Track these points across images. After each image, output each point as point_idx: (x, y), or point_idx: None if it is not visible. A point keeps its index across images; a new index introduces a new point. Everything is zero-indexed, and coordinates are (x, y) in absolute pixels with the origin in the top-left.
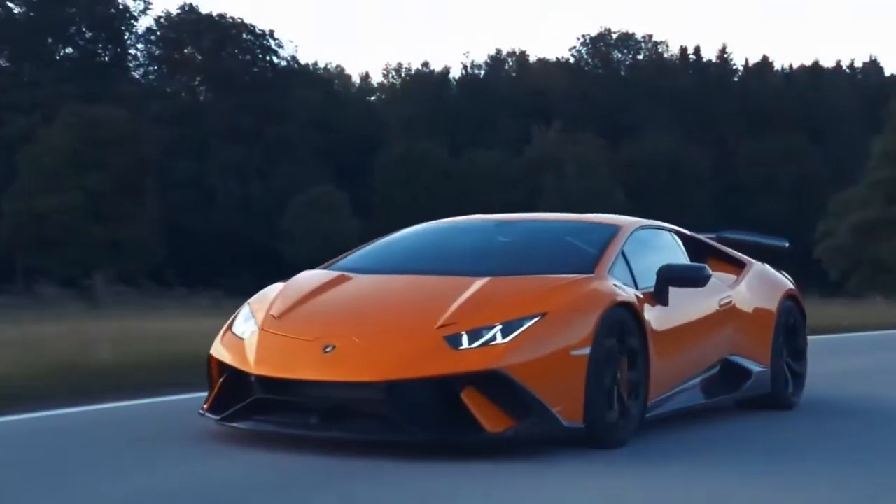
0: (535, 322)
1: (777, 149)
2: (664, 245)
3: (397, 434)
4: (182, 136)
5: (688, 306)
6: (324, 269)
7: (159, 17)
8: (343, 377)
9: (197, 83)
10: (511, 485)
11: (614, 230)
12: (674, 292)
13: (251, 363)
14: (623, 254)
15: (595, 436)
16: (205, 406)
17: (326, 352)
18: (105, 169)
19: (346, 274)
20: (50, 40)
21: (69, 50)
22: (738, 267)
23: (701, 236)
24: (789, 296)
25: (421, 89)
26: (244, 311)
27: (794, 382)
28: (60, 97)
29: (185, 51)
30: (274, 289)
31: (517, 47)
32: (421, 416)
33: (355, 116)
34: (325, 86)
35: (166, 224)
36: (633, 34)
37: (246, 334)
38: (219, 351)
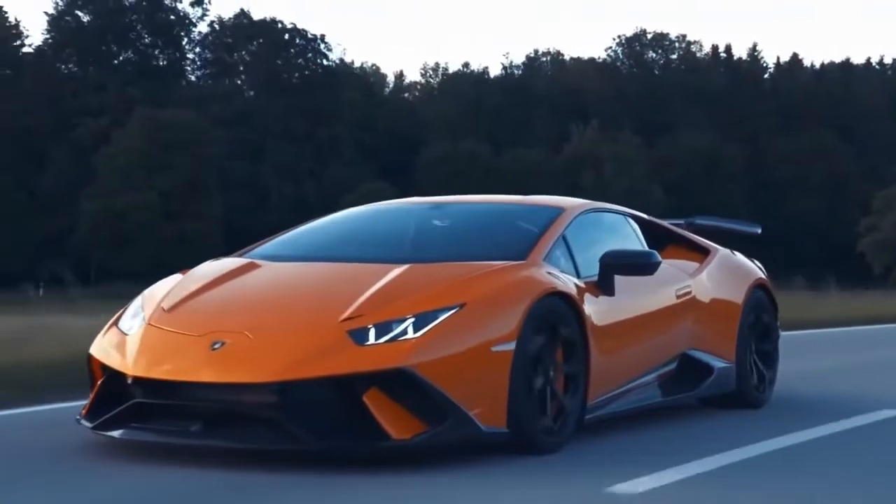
0: (452, 314)
1: (808, 146)
2: (616, 230)
3: (290, 443)
4: (237, 139)
5: (638, 297)
6: (238, 255)
7: (212, 21)
8: (230, 378)
9: (250, 86)
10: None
11: (556, 213)
12: (623, 282)
13: (130, 362)
14: (565, 239)
15: (522, 441)
16: (82, 413)
17: (214, 349)
18: (174, 169)
19: (255, 262)
20: (114, 47)
21: (130, 55)
22: (702, 254)
23: (663, 222)
24: (758, 285)
25: (460, 88)
26: (135, 303)
27: (763, 379)
28: (126, 101)
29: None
30: (174, 279)
31: (552, 47)
32: (317, 421)
33: (395, 115)
34: (366, 86)
35: (224, 223)
36: (668, 34)
37: (132, 330)
38: (99, 349)
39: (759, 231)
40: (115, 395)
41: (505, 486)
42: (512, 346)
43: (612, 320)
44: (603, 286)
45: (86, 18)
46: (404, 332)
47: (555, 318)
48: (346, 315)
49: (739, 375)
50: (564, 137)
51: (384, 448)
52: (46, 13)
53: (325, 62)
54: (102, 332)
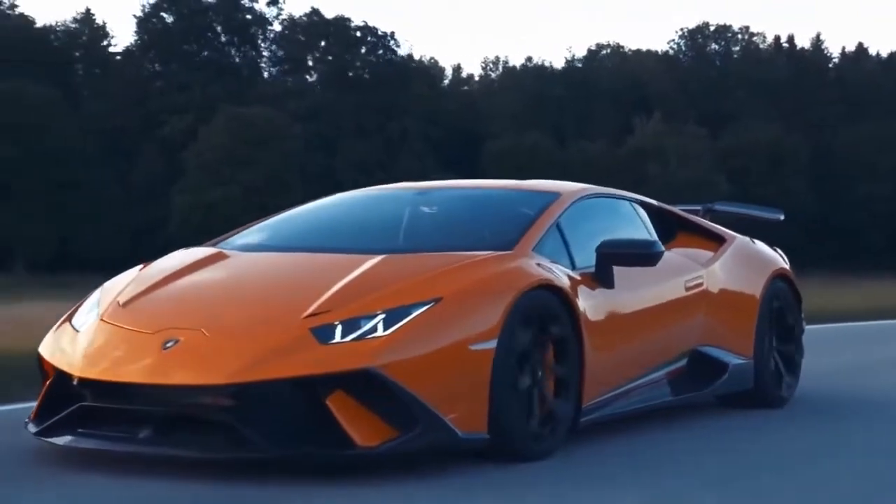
0: (426, 310)
1: (875, 135)
2: (620, 217)
3: (246, 450)
4: (312, 134)
5: (641, 289)
6: (210, 244)
7: (283, 19)
8: (181, 379)
9: (322, 82)
10: None
11: (551, 198)
12: (625, 273)
13: (77, 362)
14: (559, 227)
15: (505, 447)
16: (30, 416)
17: (167, 347)
18: (257, 165)
19: (223, 252)
20: (195, 47)
21: (210, 54)
22: (717, 243)
23: (675, 208)
24: (779, 275)
25: (522, 82)
26: (93, 297)
27: (784, 377)
28: (209, 99)
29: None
30: (135, 271)
31: (613, 40)
32: (276, 427)
33: (458, 109)
34: (430, 80)
35: None
36: (730, 26)
37: (84, 326)
38: (48, 347)
39: (782, 217)
40: (62, 398)
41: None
42: (493, 344)
43: (611, 315)
44: (600, 278)
45: (170, 20)
46: (373, 329)
47: (543, 314)
48: (310, 311)
49: (758, 373)
50: (627, 130)
51: (349, 456)
52: (135, 16)
53: (394, 58)
54: (55, 327)
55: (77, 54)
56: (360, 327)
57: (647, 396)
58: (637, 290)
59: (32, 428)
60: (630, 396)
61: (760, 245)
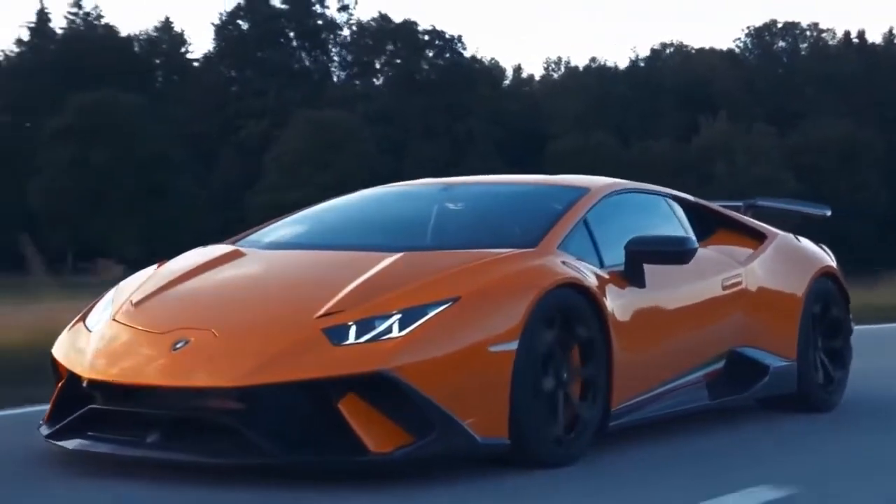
0: (444, 310)
1: None
2: (652, 213)
3: (255, 456)
4: (381, 136)
5: (674, 288)
6: (229, 242)
7: (351, 23)
8: (190, 382)
9: (390, 85)
10: None
11: (579, 194)
12: (657, 271)
13: (87, 363)
14: (586, 223)
15: (527, 452)
16: (43, 419)
17: (177, 348)
18: (332, 167)
19: (240, 249)
20: (269, 52)
21: (284, 59)
22: (758, 240)
23: (713, 204)
24: (824, 274)
25: (584, 81)
26: (107, 296)
27: (831, 380)
28: (283, 103)
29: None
30: (150, 269)
31: (675, 39)
32: (286, 432)
33: (521, 109)
34: (494, 81)
35: None
36: (798, 23)
37: (96, 326)
38: (60, 348)
39: (829, 213)
40: (73, 400)
41: None
42: (513, 345)
43: (641, 315)
44: (630, 276)
45: (245, 26)
46: (388, 329)
47: (568, 313)
48: (323, 311)
49: (801, 375)
50: (693, 129)
51: (362, 463)
52: (213, 24)
53: (459, 59)
54: (68, 327)
55: (157, 62)
56: (374, 328)
57: (683, 400)
58: (670, 289)
59: (44, 430)
60: (664, 400)
61: (805, 242)
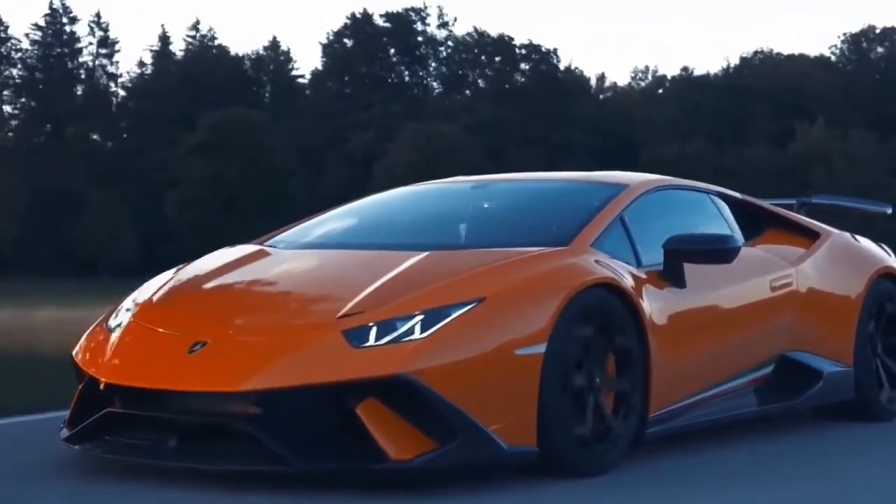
0: (468, 311)
1: None
2: (695, 210)
3: (271, 463)
4: (482, 146)
5: (717, 289)
6: (256, 241)
7: (446, 37)
8: (205, 385)
9: (487, 97)
10: None
11: (616, 190)
12: (700, 272)
13: (105, 365)
14: (623, 221)
15: (557, 460)
16: (64, 422)
17: (194, 350)
18: (440, 177)
19: (264, 249)
20: (373, 68)
21: (386, 74)
22: (811, 238)
23: (762, 202)
24: (884, 274)
25: (675, 90)
26: (129, 298)
27: (893, 387)
28: (388, 116)
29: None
30: (174, 270)
31: (765, 46)
32: (303, 438)
33: (611, 117)
34: (586, 91)
35: None
36: None
37: (117, 328)
38: (81, 350)
39: (889, 210)
40: (93, 403)
41: None
42: (541, 348)
43: (681, 317)
44: (669, 277)
45: (349, 43)
46: (410, 331)
47: (601, 315)
48: (344, 311)
49: (859, 381)
50: (788, 135)
51: (381, 470)
52: (320, 42)
53: (554, 71)
54: (90, 329)
55: (265, 79)
56: (395, 329)
57: (729, 406)
58: (713, 290)
59: (63, 433)
60: (707, 406)
61: (863, 241)
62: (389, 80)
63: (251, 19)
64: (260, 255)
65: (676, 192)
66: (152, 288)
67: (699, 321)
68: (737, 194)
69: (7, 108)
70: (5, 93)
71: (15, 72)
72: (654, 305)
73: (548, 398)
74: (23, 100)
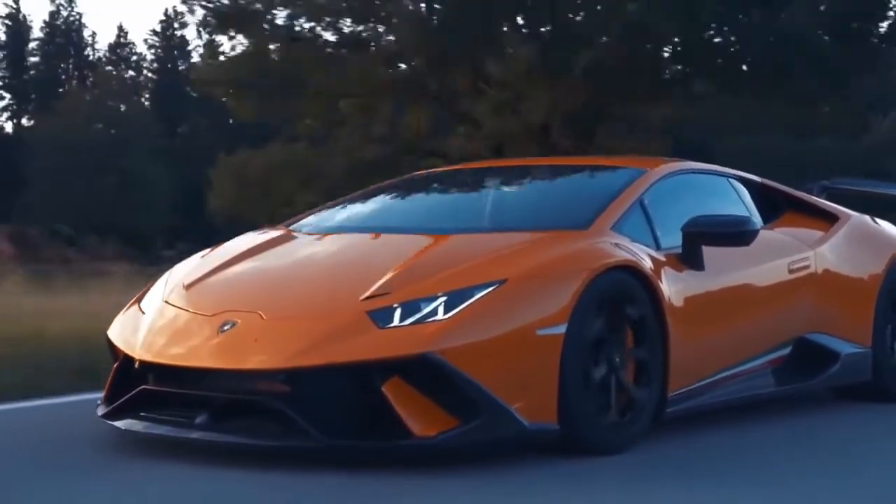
0: (490, 292)
1: None
2: (714, 194)
3: (299, 439)
4: None
5: (736, 271)
6: (283, 225)
7: None
8: (235, 364)
9: None
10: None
11: (635, 174)
12: (718, 254)
13: (139, 345)
14: (642, 204)
15: (577, 439)
16: (101, 400)
17: (224, 330)
18: None
19: (291, 233)
20: None
21: None
22: (830, 222)
23: (781, 185)
24: None
25: None
26: (161, 279)
27: None
28: None
29: None
30: (205, 252)
31: None
32: (330, 415)
33: None
34: None
35: None
36: None
37: (149, 309)
38: (115, 330)
39: None
40: (128, 381)
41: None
42: (562, 328)
43: (700, 299)
44: (688, 259)
45: None
46: (433, 312)
47: (620, 297)
48: (369, 293)
49: (877, 363)
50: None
51: (406, 447)
52: None
53: None
54: (124, 309)
55: None
56: (419, 310)
57: (747, 386)
58: (731, 273)
59: (100, 410)
60: (726, 386)
61: (883, 224)
62: None
63: None
64: (286, 238)
65: (695, 176)
66: (183, 270)
67: (717, 303)
68: (756, 178)
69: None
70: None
71: (132, 73)
72: (673, 288)
73: (568, 378)
74: (146, 101)
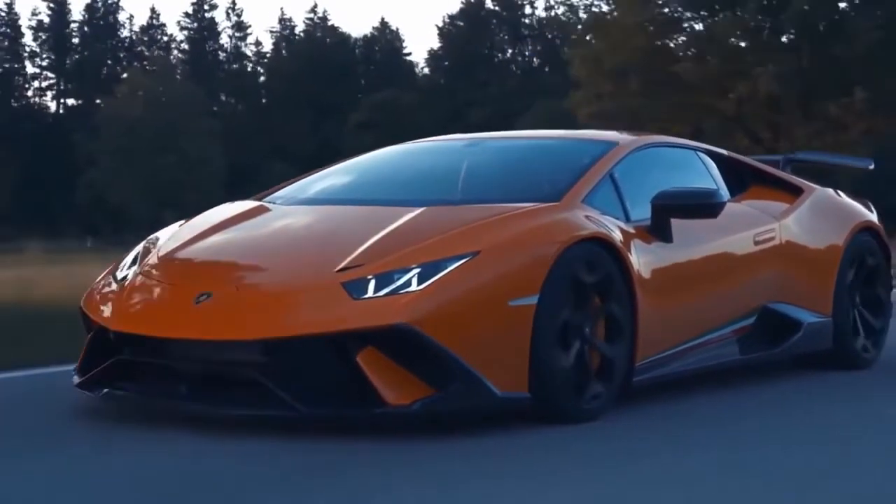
0: (463, 264)
1: None
2: (683, 167)
3: (276, 408)
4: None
5: (703, 243)
6: (256, 198)
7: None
8: (211, 335)
9: None
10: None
11: (606, 148)
12: (686, 226)
13: (113, 315)
14: (612, 177)
15: (548, 407)
16: (75, 369)
17: (199, 301)
18: None
19: (265, 205)
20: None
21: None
22: (795, 194)
23: (748, 158)
24: (864, 228)
25: None
26: (136, 250)
27: (869, 337)
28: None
29: None
30: (179, 224)
31: None
32: (306, 385)
33: None
34: None
35: None
36: None
37: (124, 279)
38: (88, 300)
39: (872, 166)
40: (103, 351)
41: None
42: (534, 299)
43: (668, 270)
44: (656, 231)
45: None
46: (407, 283)
47: (591, 268)
48: (343, 265)
49: (837, 331)
50: None
51: (380, 415)
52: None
53: None
54: (98, 280)
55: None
56: (393, 281)
57: (713, 355)
58: (699, 245)
59: (75, 380)
60: (692, 355)
61: (845, 197)
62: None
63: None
64: (260, 210)
65: (665, 150)
66: (158, 241)
67: (685, 274)
68: (723, 151)
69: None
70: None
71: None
72: (643, 259)
73: (539, 347)
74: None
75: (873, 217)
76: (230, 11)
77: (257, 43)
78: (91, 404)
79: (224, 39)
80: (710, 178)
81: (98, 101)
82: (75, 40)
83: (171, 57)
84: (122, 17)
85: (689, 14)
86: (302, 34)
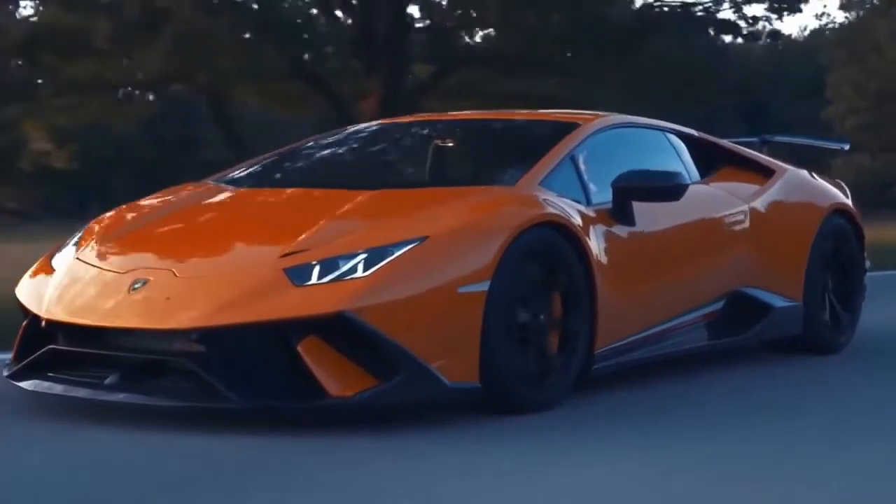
0: (411, 249)
1: None
2: (650, 149)
3: (212, 400)
4: None
5: (667, 226)
6: (212, 178)
7: None
8: (146, 323)
9: None
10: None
11: (567, 129)
12: (649, 210)
13: (46, 303)
14: (573, 159)
15: (500, 397)
16: (10, 360)
17: (135, 289)
18: None
19: (212, 187)
20: None
21: None
22: (766, 176)
23: (719, 140)
24: (837, 210)
25: None
26: (74, 236)
27: (840, 321)
28: None
29: None
30: (123, 207)
31: None
32: (244, 376)
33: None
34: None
35: None
36: None
37: (61, 265)
38: (23, 288)
39: (847, 147)
40: (36, 341)
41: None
42: (485, 286)
43: (630, 255)
44: (618, 215)
45: None
46: (353, 270)
47: (546, 253)
48: (288, 250)
49: (808, 316)
50: None
51: (322, 407)
52: None
53: None
54: (34, 266)
55: None
56: (338, 268)
57: (680, 341)
58: (662, 228)
59: (5, 371)
60: (659, 340)
61: (818, 179)
62: None
63: None
64: (207, 193)
65: (631, 130)
66: (97, 226)
67: (647, 258)
68: (693, 132)
69: None
70: None
71: None
72: (602, 244)
73: (491, 336)
74: None
75: (847, 199)
76: None
77: None
78: (19, 395)
79: None
80: (677, 159)
81: None
82: None
83: None
84: None
85: None
86: None
